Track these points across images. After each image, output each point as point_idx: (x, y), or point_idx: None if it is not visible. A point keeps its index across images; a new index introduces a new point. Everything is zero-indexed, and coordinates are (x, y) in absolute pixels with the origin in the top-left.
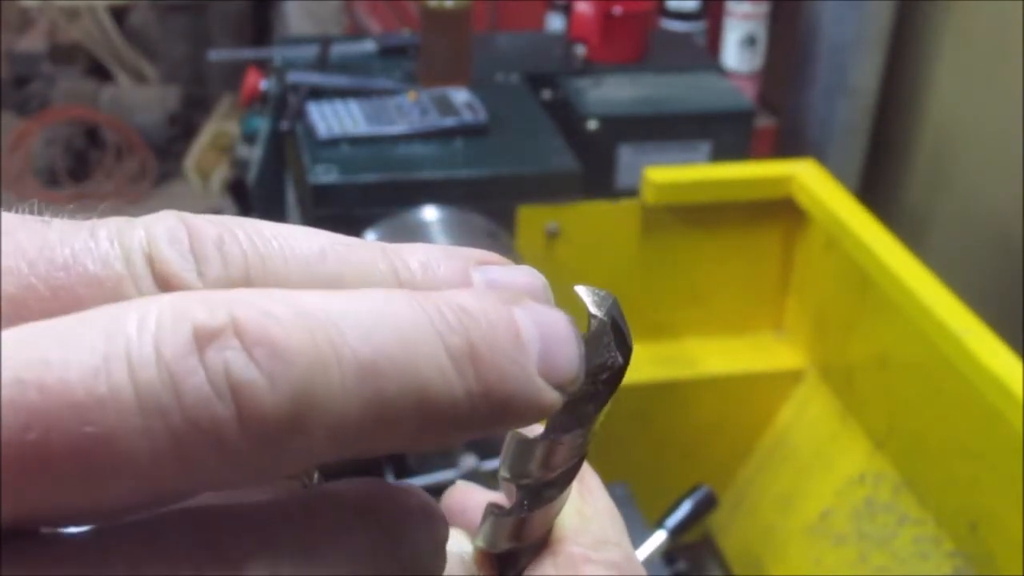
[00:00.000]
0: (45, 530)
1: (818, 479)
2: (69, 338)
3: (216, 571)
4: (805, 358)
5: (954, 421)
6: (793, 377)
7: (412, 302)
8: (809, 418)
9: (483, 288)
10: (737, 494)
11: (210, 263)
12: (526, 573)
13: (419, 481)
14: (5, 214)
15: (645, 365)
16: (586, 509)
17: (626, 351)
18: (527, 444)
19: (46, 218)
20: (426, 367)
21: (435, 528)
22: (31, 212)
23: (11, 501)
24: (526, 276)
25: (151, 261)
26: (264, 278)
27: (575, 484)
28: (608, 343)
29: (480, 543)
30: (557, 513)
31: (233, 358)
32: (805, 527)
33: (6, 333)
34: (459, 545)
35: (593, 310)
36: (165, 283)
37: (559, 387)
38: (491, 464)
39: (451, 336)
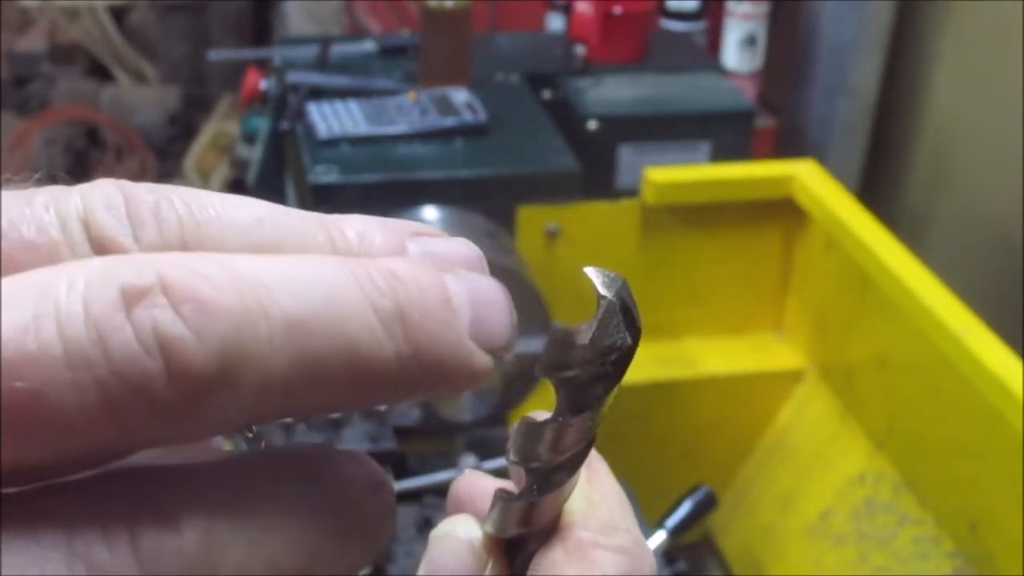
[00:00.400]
0: None
1: (818, 479)
2: (1, 297)
3: (151, 525)
4: (805, 358)
5: (954, 421)
6: (793, 377)
7: (342, 266)
8: (809, 418)
9: (418, 257)
10: (737, 494)
11: (146, 228)
12: (535, 558)
13: (419, 481)
14: None
15: (645, 365)
16: (594, 495)
17: (635, 332)
18: (536, 427)
19: None
20: (355, 327)
21: (381, 495)
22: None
23: None
24: (461, 247)
25: (87, 226)
26: (200, 244)
27: (583, 470)
28: (617, 324)
29: (489, 528)
30: (566, 498)
31: (160, 315)
32: (805, 527)
33: None
34: (468, 531)
35: (602, 291)
36: (101, 248)
37: (491, 351)
38: (491, 464)
39: (380, 298)
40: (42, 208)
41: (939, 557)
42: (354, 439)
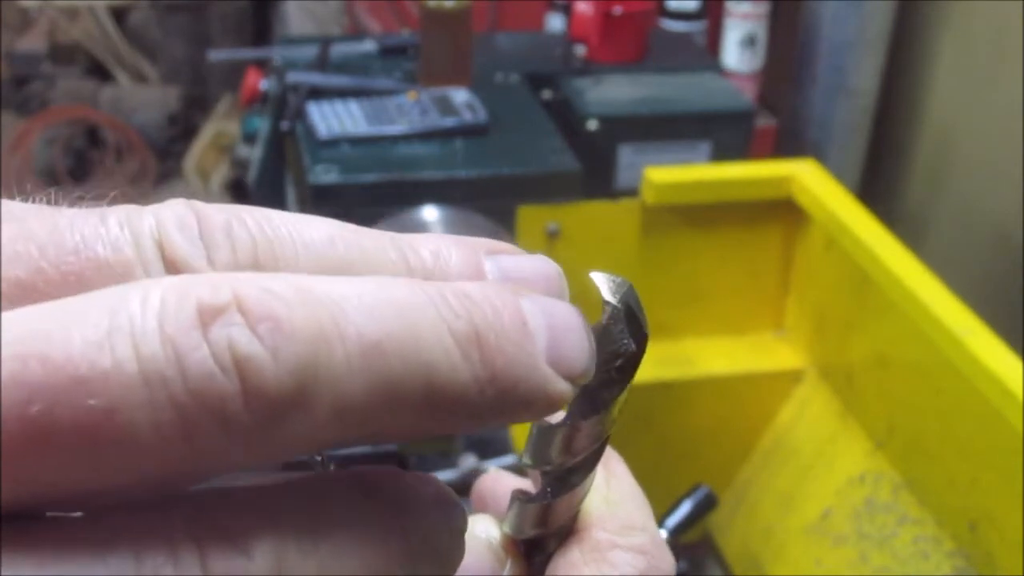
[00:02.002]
0: (50, 514)
1: (818, 479)
2: (73, 314)
3: (220, 549)
4: (805, 358)
5: (954, 421)
6: (793, 377)
7: (415, 287)
8: (809, 418)
9: (495, 276)
10: (737, 494)
11: (219, 249)
12: (553, 558)
13: None
14: (15, 203)
15: (645, 365)
16: (612, 495)
17: (641, 338)
18: (548, 431)
19: (56, 206)
20: (431, 350)
21: (451, 515)
22: (35, 202)
23: (15, 477)
24: (538, 263)
25: (161, 246)
26: (273, 263)
27: (601, 470)
28: (622, 330)
29: (507, 529)
30: (582, 499)
31: (237, 334)
32: (805, 527)
33: (12, 312)
34: (487, 531)
35: (608, 297)
36: (175, 268)
37: (569, 378)
38: (491, 464)
39: (455, 321)
40: (116, 226)
41: (939, 557)
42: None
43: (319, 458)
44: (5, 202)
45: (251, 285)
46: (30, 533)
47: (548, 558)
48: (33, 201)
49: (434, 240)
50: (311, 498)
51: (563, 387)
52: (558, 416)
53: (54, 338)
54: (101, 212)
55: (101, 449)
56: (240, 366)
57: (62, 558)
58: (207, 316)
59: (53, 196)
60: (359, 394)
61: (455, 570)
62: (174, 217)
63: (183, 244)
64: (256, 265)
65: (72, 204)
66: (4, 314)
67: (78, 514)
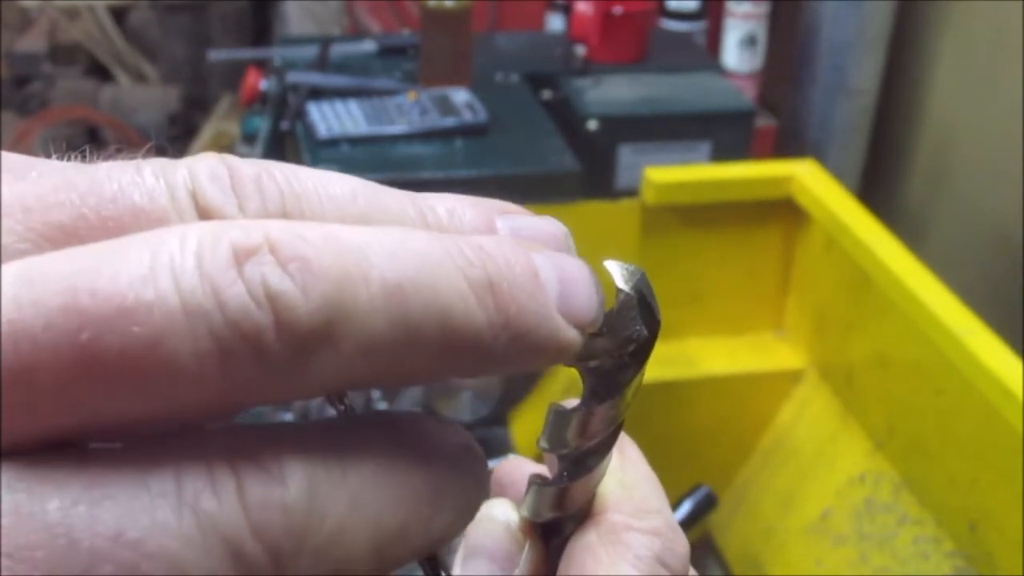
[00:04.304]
0: (95, 445)
1: (818, 479)
2: (117, 253)
3: (256, 476)
4: (805, 358)
5: (954, 421)
6: (793, 377)
7: (433, 238)
8: (809, 418)
9: (507, 234)
10: (737, 494)
11: (250, 199)
12: (570, 541)
13: None
14: (54, 160)
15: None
16: (627, 478)
17: (653, 324)
18: (563, 414)
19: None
20: (448, 295)
21: (474, 461)
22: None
23: (67, 402)
24: (548, 224)
25: (194, 196)
26: (300, 214)
27: (616, 454)
28: (634, 316)
29: (525, 512)
30: (598, 482)
31: (269, 271)
32: (805, 527)
33: (60, 252)
34: (506, 515)
35: (620, 284)
36: (207, 217)
37: (579, 327)
38: (491, 463)
39: (470, 269)
40: (152, 176)
41: (939, 557)
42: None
43: (343, 405)
44: (45, 160)
45: (282, 229)
46: (77, 458)
47: (565, 541)
48: (70, 159)
49: (450, 199)
50: (341, 433)
51: (573, 335)
52: (573, 401)
53: (102, 272)
54: (137, 164)
55: (146, 376)
56: (273, 301)
57: (107, 480)
58: (241, 255)
59: (88, 154)
60: (382, 332)
61: (473, 516)
62: (207, 169)
63: (215, 194)
64: (284, 215)
65: (108, 159)
66: (52, 254)
67: (121, 445)
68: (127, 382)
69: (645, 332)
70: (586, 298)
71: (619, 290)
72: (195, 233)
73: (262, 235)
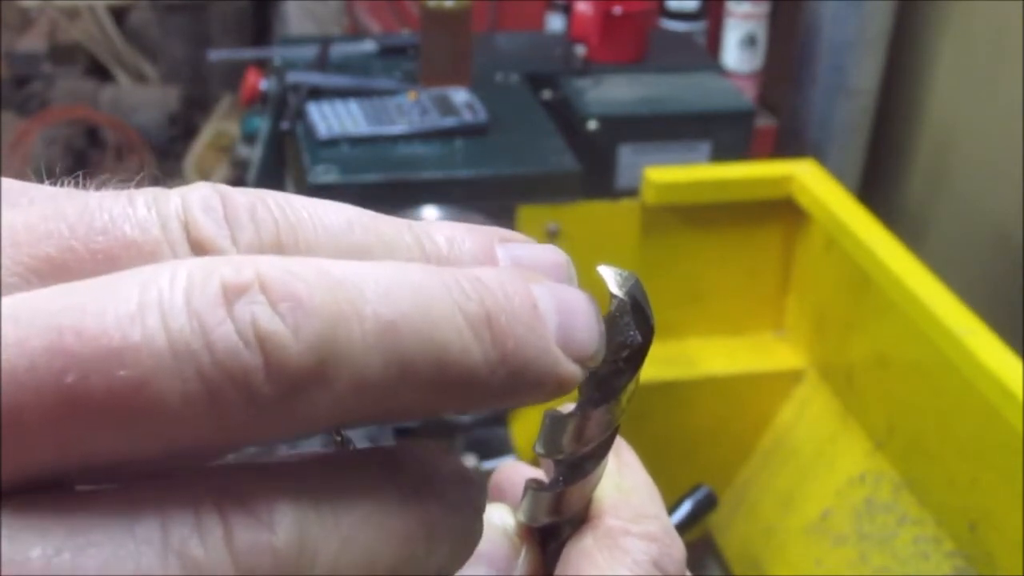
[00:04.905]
0: (80, 488)
1: (818, 479)
2: (105, 290)
3: (244, 523)
4: (805, 358)
5: (954, 421)
6: (793, 377)
7: (430, 272)
8: (809, 418)
9: (507, 264)
10: (737, 494)
11: (243, 230)
12: (567, 546)
13: None
14: (46, 186)
15: (645, 365)
16: (624, 483)
17: (647, 330)
18: (560, 420)
19: (84, 190)
20: (444, 330)
21: (471, 493)
22: (64, 186)
23: (50, 445)
24: (549, 253)
25: (187, 227)
26: (294, 246)
27: (613, 459)
28: (628, 322)
29: (522, 517)
30: (594, 487)
31: (259, 311)
32: (805, 527)
33: (47, 289)
34: (503, 519)
35: (614, 290)
36: (200, 249)
37: (579, 361)
38: (491, 464)
39: (467, 303)
40: (143, 207)
41: (939, 557)
42: (355, 439)
43: (339, 437)
44: (39, 187)
45: (273, 266)
46: (62, 502)
47: (562, 545)
48: (62, 185)
49: (449, 227)
50: (333, 473)
51: (572, 369)
52: (569, 406)
53: (88, 311)
54: (129, 194)
55: (132, 418)
56: (263, 341)
57: (92, 525)
58: (231, 294)
59: (81, 180)
60: (375, 370)
61: (474, 548)
62: (200, 199)
63: (208, 225)
64: (278, 246)
65: (99, 187)
66: (40, 291)
67: (107, 487)
68: (113, 424)
69: (639, 338)
70: (586, 331)
71: (612, 296)
72: (185, 270)
73: (253, 272)
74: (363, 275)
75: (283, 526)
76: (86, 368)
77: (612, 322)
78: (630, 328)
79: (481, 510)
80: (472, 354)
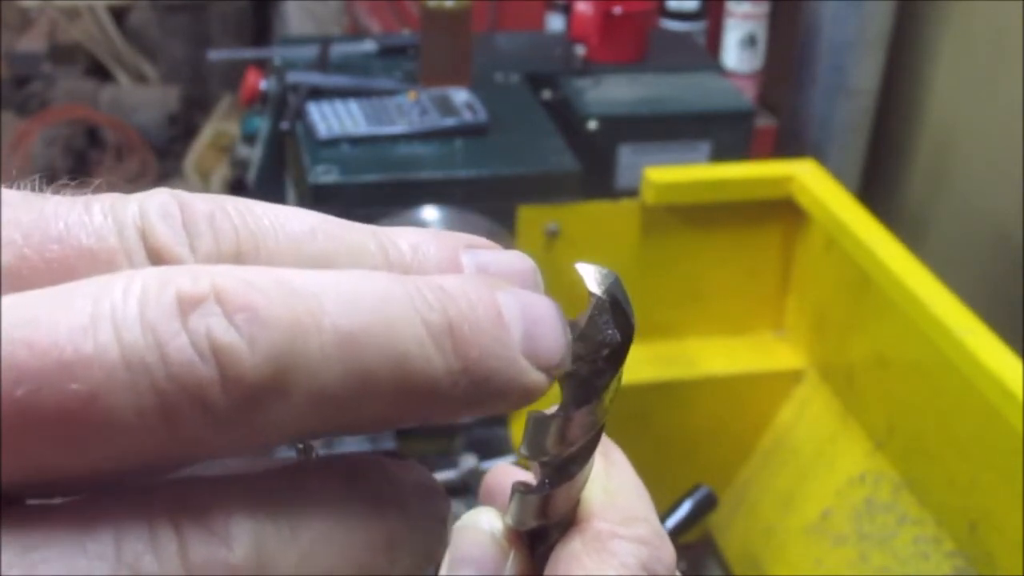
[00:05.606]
0: (32, 502)
1: (818, 479)
2: (58, 302)
3: (200, 538)
4: (805, 358)
5: (954, 421)
6: (793, 377)
7: (391, 281)
8: (809, 418)
9: (472, 271)
10: (737, 494)
11: (202, 238)
12: (555, 549)
13: None
14: (4, 189)
15: (645, 365)
16: (612, 485)
17: (627, 327)
18: (542, 422)
19: (44, 194)
20: (405, 340)
21: (434, 504)
22: (32, 189)
23: (5, 459)
24: (515, 259)
25: (144, 235)
26: (255, 254)
27: (601, 461)
28: (607, 320)
29: (509, 521)
30: (581, 489)
31: (215, 323)
32: (805, 527)
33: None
34: (491, 523)
35: (592, 288)
36: (157, 257)
37: (544, 370)
38: (490, 464)
39: (429, 312)
40: (100, 215)
41: (939, 557)
42: (354, 439)
43: (300, 446)
44: (4, 191)
45: (230, 276)
46: (14, 518)
47: (550, 548)
48: (19, 188)
49: (414, 234)
50: (292, 486)
51: (537, 377)
52: (552, 408)
53: (39, 324)
54: (86, 200)
55: (84, 433)
56: (218, 354)
57: (43, 542)
58: (186, 305)
59: (38, 184)
60: (334, 382)
61: (439, 559)
62: (157, 206)
63: (166, 233)
64: (238, 255)
65: (57, 192)
66: None
67: (59, 500)
68: (65, 438)
69: (618, 336)
70: (552, 339)
71: (591, 294)
72: (140, 280)
73: (209, 283)
74: (323, 285)
75: (240, 541)
76: (37, 381)
77: (591, 321)
78: (609, 326)
79: (444, 520)
80: (434, 364)
